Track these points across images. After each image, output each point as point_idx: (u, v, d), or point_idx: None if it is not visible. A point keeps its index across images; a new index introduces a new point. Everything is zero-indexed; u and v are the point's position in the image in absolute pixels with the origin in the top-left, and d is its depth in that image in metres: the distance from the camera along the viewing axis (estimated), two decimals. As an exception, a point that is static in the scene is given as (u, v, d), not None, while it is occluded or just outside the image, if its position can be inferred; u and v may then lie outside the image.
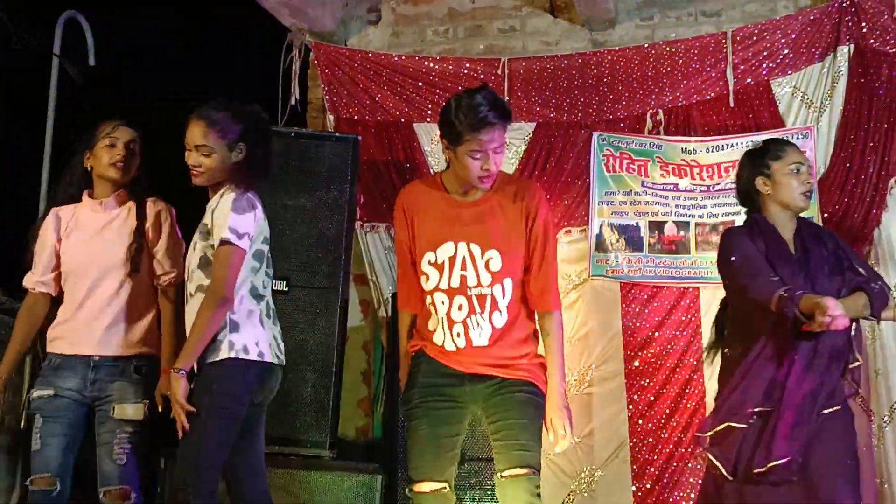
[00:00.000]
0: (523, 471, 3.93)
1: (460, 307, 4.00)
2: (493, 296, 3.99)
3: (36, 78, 6.41)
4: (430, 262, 4.05)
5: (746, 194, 4.44)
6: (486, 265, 4.00)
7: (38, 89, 6.37)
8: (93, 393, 4.57)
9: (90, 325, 4.59)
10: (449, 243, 4.03)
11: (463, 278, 4.00)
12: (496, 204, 4.06)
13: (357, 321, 6.27)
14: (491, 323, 3.98)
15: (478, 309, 3.98)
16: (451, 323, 4.00)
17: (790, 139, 5.61)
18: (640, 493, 5.65)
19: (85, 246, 4.66)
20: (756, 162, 4.36)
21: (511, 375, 4.00)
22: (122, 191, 4.71)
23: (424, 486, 3.98)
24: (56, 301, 4.74)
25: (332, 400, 5.55)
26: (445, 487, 4.01)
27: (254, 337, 4.15)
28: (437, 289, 4.02)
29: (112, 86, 6.27)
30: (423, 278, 4.06)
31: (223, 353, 4.08)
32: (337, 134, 6.14)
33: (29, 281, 4.72)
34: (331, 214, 5.59)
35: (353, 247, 5.93)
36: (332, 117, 6.48)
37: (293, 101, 6.45)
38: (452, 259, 4.02)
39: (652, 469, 5.70)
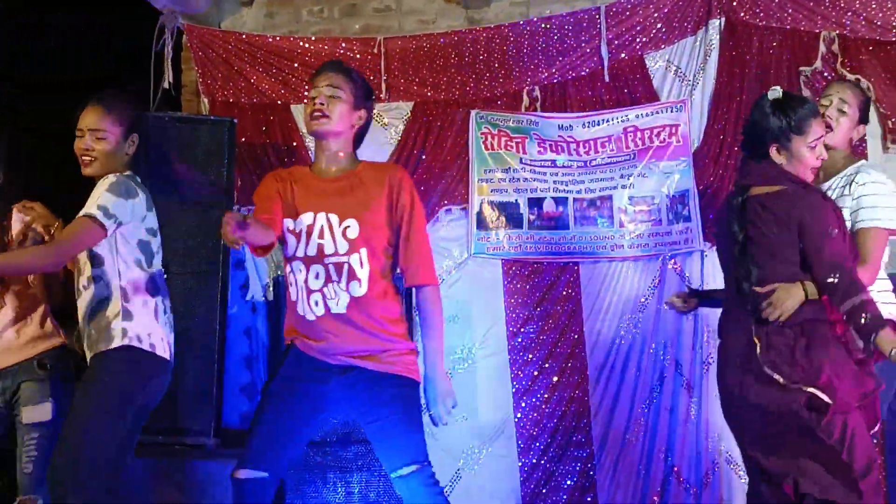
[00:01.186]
0: (412, 467, 3.91)
1: (317, 276, 3.96)
2: (349, 265, 3.95)
3: None
4: (288, 229, 4.03)
5: (756, 147, 4.19)
6: (343, 233, 3.97)
7: None
8: (8, 401, 4.61)
9: None
10: (308, 213, 4.03)
11: (320, 247, 3.97)
12: (358, 179, 4.09)
13: (237, 306, 6.16)
14: (348, 291, 3.93)
15: (335, 278, 3.94)
16: (308, 291, 3.96)
17: (664, 112, 5.85)
18: (526, 469, 5.70)
19: None
20: (776, 128, 4.09)
21: (380, 368, 3.96)
22: None
23: (242, 473, 3.92)
24: None
25: (214, 387, 5.47)
26: (266, 476, 3.95)
27: (146, 328, 4.11)
28: (294, 257, 4.00)
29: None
30: (281, 246, 4.04)
31: (116, 342, 4.03)
32: (213, 117, 6.07)
33: None
34: (208, 199, 5.51)
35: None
36: (206, 100, 6.39)
37: (166, 85, 6.32)
38: (310, 228, 4.00)
39: (538, 444, 5.76)
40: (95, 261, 4.16)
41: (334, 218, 3.99)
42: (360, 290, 3.94)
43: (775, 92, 4.12)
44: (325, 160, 4.12)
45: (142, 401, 4.11)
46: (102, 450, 4.00)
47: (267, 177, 4.22)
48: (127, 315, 4.10)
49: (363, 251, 3.95)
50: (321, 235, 3.98)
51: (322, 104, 4.00)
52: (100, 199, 4.03)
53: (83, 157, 4.19)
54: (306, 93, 6.07)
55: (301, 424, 3.99)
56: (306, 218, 4.02)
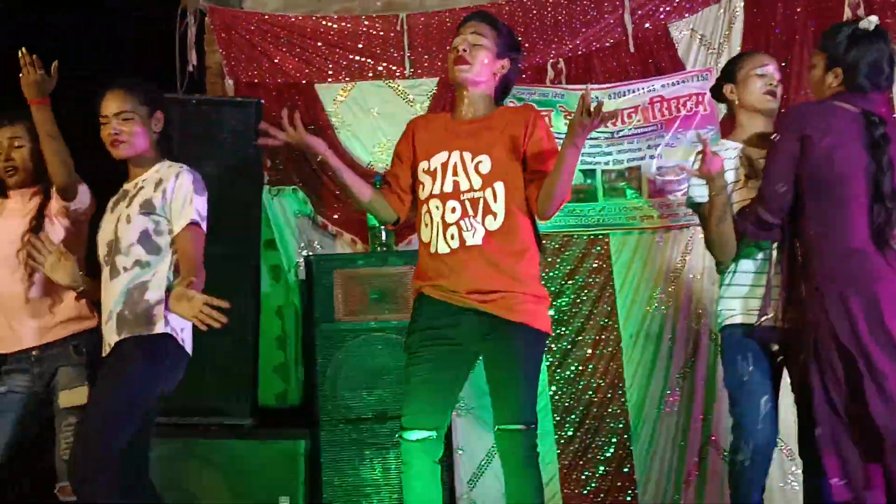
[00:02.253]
0: (519, 426, 3.99)
1: (453, 210, 4.09)
2: (484, 199, 4.08)
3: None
4: (423, 170, 4.18)
5: (882, 79, 4.12)
6: (476, 168, 4.10)
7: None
8: (42, 386, 4.60)
9: (18, 318, 4.61)
10: (442, 152, 4.16)
11: (455, 183, 4.11)
12: (496, 119, 4.21)
13: (269, 286, 6.21)
14: (484, 226, 4.05)
15: (470, 212, 4.07)
16: (445, 226, 4.10)
17: (690, 81, 5.91)
18: (562, 441, 5.75)
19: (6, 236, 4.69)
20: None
21: (506, 315, 4.00)
22: (37, 186, 4.72)
23: (412, 434, 4.02)
24: None
25: (249, 368, 5.57)
26: (433, 435, 4.05)
27: (182, 322, 4.13)
28: (431, 195, 4.13)
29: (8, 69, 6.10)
30: (419, 188, 4.19)
31: (159, 328, 4.06)
32: (239, 98, 6.11)
33: None
34: (237, 180, 5.56)
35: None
36: (231, 82, 6.37)
37: (191, 68, 6.31)
38: (445, 165, 4.14)
39: (573, 416, 5.83)
40: (150, 247, 4.15)
41: (467, 155, 4.10)
42: (494, 223, 4.05)
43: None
44: (464, 107, 4.22)
45: (163, 388, 4.18)
46: (128, 433, 4.04)
47: (407, 128, 4.33)
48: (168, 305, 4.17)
49: (497, 185, 4.06)
50: (455, 172, 4.10)
51: (465, 51, 4.09)
52: (193, 201, 4.14)
53: (113, 142, 4.21)
54: (329, 71, 6.26)
55: (451, 372, 4.12)
56: (440, 157, 4.14)
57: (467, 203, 4.06)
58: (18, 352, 4.60)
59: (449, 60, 4.20)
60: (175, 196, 4.16)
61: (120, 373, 4.05)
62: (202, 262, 4.12)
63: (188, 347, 4.19)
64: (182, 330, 4.15)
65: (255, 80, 6.35)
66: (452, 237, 4.06)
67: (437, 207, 4.09)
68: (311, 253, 6.09)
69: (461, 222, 4.05)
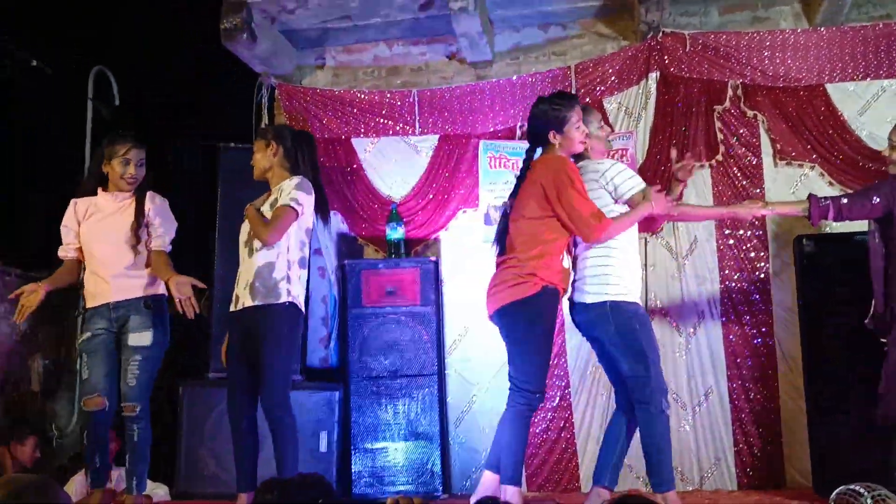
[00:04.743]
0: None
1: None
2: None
3: (76, 115, 6.83)
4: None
5: None
6: None
7: (79, 124, 6.81)
8: (117, 327, 4.91)
9: (107, 280, 4.93)
10: None
11: None
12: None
13: (316, 281, 6.50)
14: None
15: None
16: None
17: (618, 140, 6.32)
18: None
19: (100, 224, 5.01)
20: None
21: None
22: (132, 194, 5.07)
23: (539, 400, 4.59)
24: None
25: (301, 340, 5.93)
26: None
27: (300, 293, 4.75)
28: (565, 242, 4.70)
29: (134, 120, 6.58)
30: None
31: (283, 298, 4.62)
32: None
33: (60, 251, 5.13)
34: None
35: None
36: None
37: (263, 125, 6.74)
38: None
39: None
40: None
41: None
42: None
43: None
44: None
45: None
46: (289, 375, 4.73)
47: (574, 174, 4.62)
48: (289, 280, 4.65)
49: None
50: None
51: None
52: (292, 192, 4.63)
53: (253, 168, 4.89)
54: (362, 129, 6.74)
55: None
56: None
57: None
58: (99, 305, 4.93)
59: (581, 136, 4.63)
60: (284, 190, 4.67)
61: (274, 334, 4.56)
62: (278, 231, 4.53)
63: (303, 309, 4.78)
64: (298, 296, 4.68)
65: (309, 135, 6.89)
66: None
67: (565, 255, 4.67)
68: (345, 259, 6.48)
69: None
